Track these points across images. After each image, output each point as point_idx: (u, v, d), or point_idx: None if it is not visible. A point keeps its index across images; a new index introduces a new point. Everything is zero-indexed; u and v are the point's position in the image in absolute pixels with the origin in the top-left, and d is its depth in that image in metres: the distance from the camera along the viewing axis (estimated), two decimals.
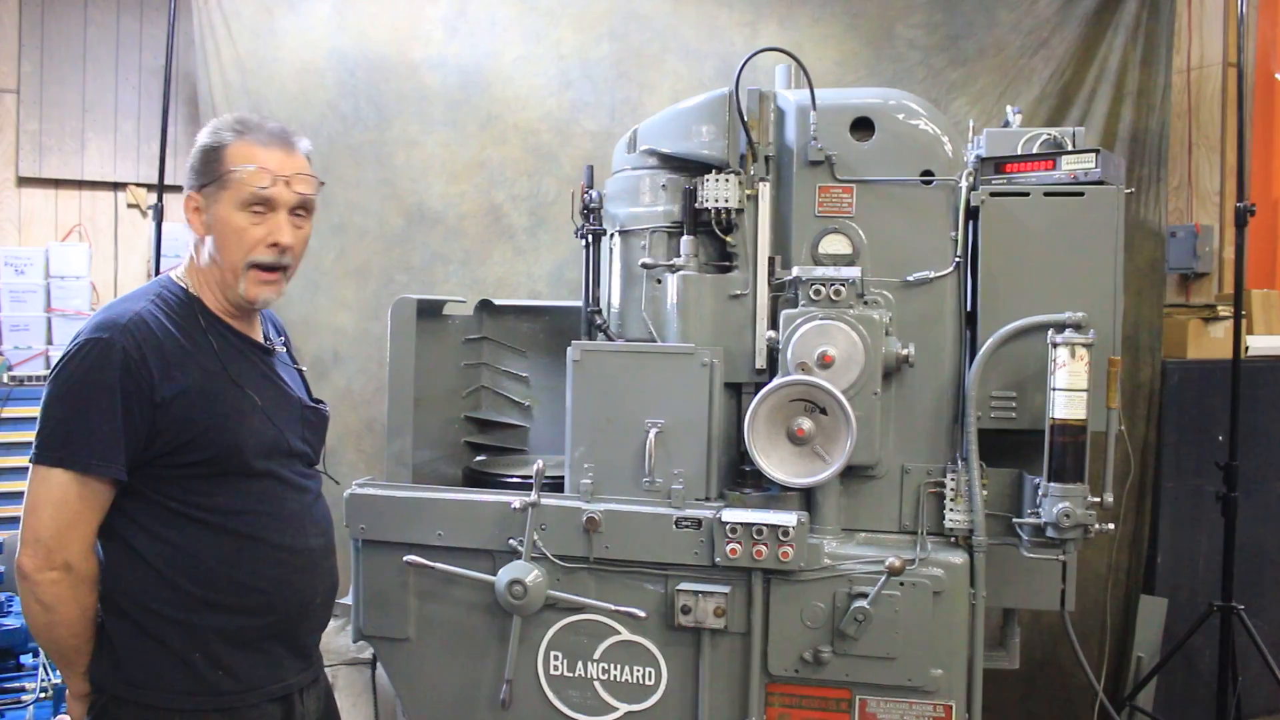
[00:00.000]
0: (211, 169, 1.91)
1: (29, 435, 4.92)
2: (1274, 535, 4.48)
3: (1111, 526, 2.79)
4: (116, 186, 5.49)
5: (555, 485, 2.95)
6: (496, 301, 3.70)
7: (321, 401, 2.18)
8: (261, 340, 2.06)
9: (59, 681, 3.00)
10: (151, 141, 5.30)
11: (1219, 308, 4.37)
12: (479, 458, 3.56)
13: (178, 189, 5.31)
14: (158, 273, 5.10)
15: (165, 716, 1.86)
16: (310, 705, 2.09)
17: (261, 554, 1.92)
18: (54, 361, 1.85)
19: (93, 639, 1.87)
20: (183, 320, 1.88)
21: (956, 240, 2.90)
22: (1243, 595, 3.91)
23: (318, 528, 2.06)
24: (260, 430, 1.92)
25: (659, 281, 3.04)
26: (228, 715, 1.89)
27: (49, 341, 5.24)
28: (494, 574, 2.89)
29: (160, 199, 5.13)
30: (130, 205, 5.48)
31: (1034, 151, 2.94)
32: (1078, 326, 2.71)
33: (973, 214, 2.90)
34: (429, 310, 3.33)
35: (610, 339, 3.14)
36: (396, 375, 3.16)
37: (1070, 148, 2.92)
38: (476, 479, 3.31)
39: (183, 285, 1.96)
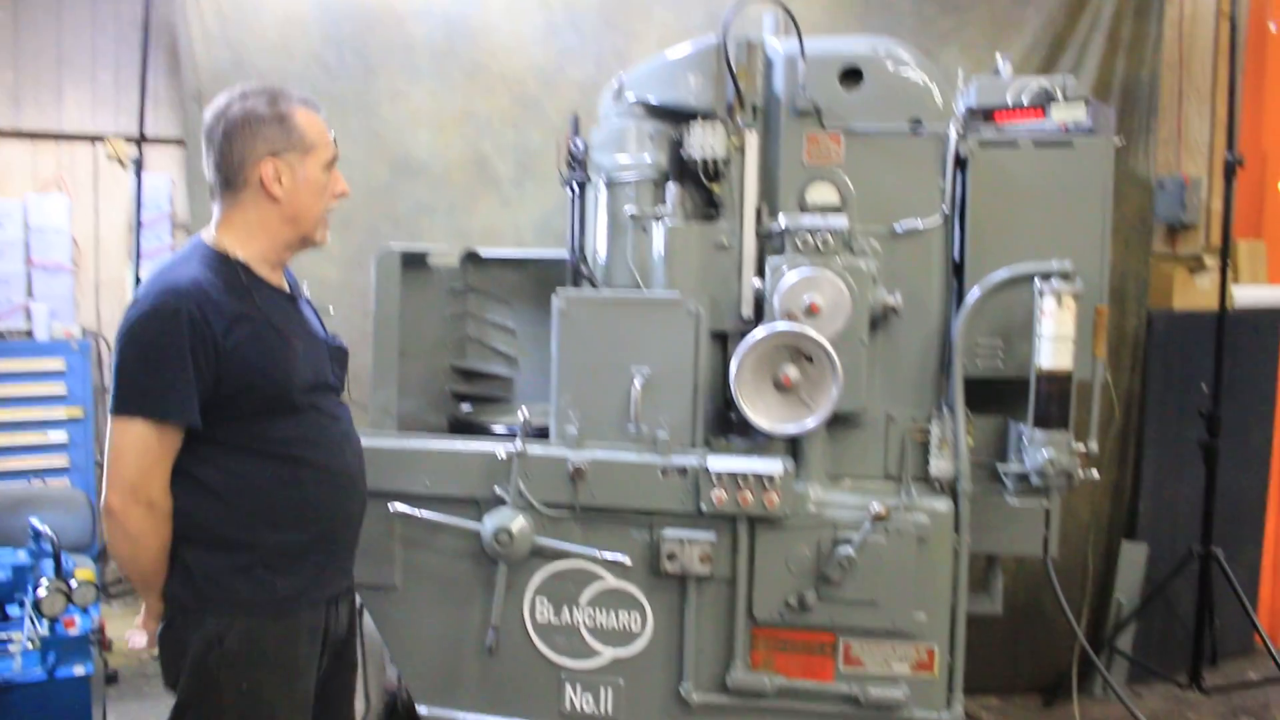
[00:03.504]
0: (293, 137, 2.11)
1: (11, 388, 4.91)
2: (1253, 482, 4.53)
3: (1095, 474, 2.81)
4: (95, 139, 5.40)
5: (541, 434, 2.96)
6: (482, 252, 3.68)
7: (339, 337, 2.40)
8: (288, 289, 2.26)
9: (46, 633, 3.00)
10: (130, 92, 5.21)
11: (1205, 259, 4.38)
12: (465, 407, 3.57)
13: (158, 141, 5.31)
14: (139, 225, 5.06)
15: (228, 621, 2.08)
16: (342, 612, 2.32)
17: (311, 475, 2.14)
18: (122, 322, 2.05)
19: (167, 562, 2.09)
20: (227, 281, 2.07)
21: (945, 190, 2.89)
22: (1221, 540, 3.96)
23: (354, 450, 2.28)
24: (302, 371, 2.14)
25: (645, 231, 3.03)
26: (279, 618, 2.12)
27: (29, 294, 5.19)
28: (480, 522, 2.91)
29: (141, 151, 5.07)
30: (110, 157, 5.40)
31: (1024, 101, 2.92)
32: (1065, 275, 2.71)
33: (961, 164, 2.89)
34: (414, 261, 3.32)
35: (596, 287, 3.12)
36: (381, 326, 3.15)
37: (1061, 98, 2.90)
38: (462, 428, 3.31)
39: (217, 249, 2.12)
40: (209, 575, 2.09)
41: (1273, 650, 3.87)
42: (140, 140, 5.08)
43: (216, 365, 2.01)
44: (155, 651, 2.21)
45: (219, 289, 2.04)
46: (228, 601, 2.08)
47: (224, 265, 2.10)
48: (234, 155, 2.09)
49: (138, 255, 5.05)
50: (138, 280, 5.06)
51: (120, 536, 2.05)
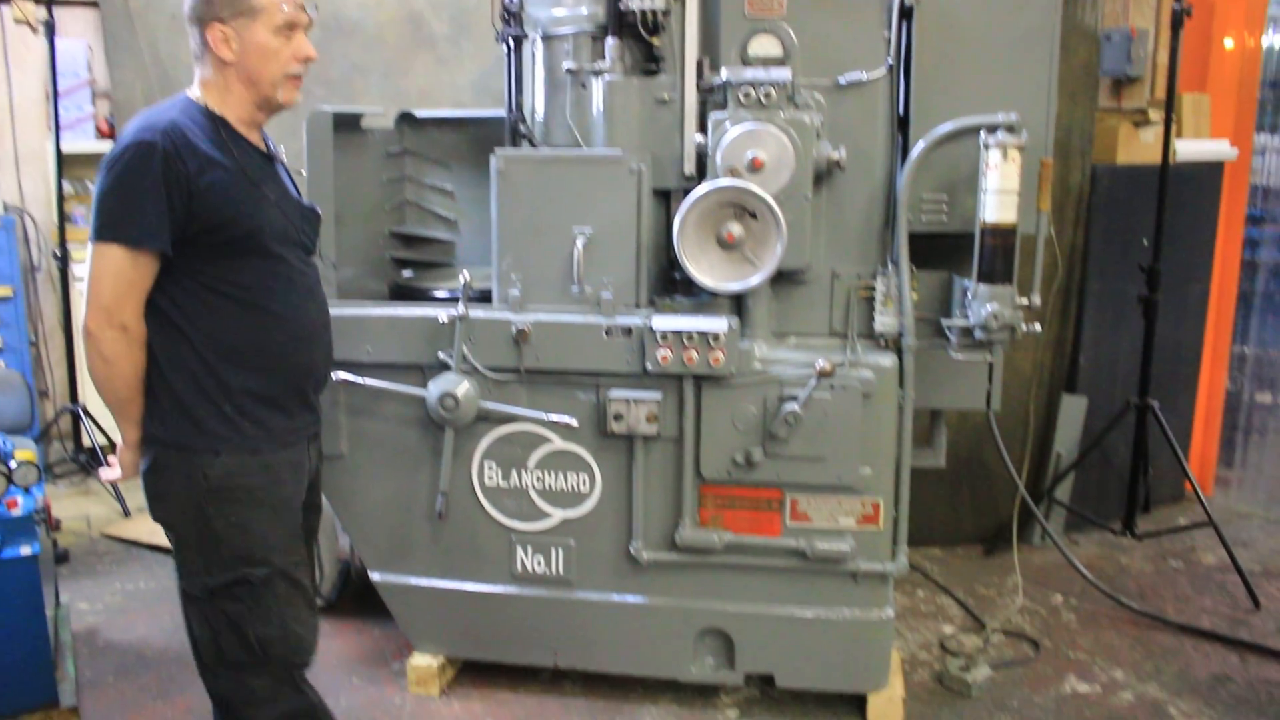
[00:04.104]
0: (239, 4, 2.19)
1: None
2: (1190, 335, 4.61)
3: (1038, 327, 2.83)
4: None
5: (484, 297, 2.92)
6: (417, 113, 3.56)
7: (315, 204, 2.48)
8: (265, 150, 2.36)
9: None
10: None
11: (1150, 112, 4.35)
12: (405, 273, 3.50)
13: (69, 3, 5.02)
14: (55, 94, 4.83)
15: (210, 458, 2.20)
16: (313, 453, 2.44)
17: (273, 323, 2.25)
18: (104, 157, 2.16)
19: (142, 393, 2.22)
20: (205, 130, 2.19)
21: (889, 41, 2.82)
22: (1157, 393, 4.04)
23: (318, 305, 2.39)
24: (274, 220, 2.25)
25: (584, 87, 2.93)
26: (254, 455, 2.24)
27: None
28: (425, 388, 2.88)
29: (51, 14, 4.80)
30: (18, 21, 5.09)
31: None
32: (1011, 128, 2.67)
33: (907, 13, 2.81)
34: (347, 123, 3.21)
35: (535, 147, 3.04)
36: (315, 192, 3.05)
37: None
38: (403, 294, 3.25)
39: (201, 103, 2.24)
40: (185, 412, 2.20)
41: (1201, 496, 4.00)
42: (49, 1, 4.80)
43: (189, 202, 2.12)
44: (119, 480, 2.36)
45: (196, 135, 2.17)
46: (207, 437, 2.20)
47: (203, 116, 2.22)
48: (194, 23, 2.23)
49: (57, 126, 4.83)
50: (59, 153, 4.86)
51: (96, 358, 2.18)
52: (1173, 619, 3.66)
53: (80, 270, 4.83)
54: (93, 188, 2.23)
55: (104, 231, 2.12)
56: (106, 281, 2.13)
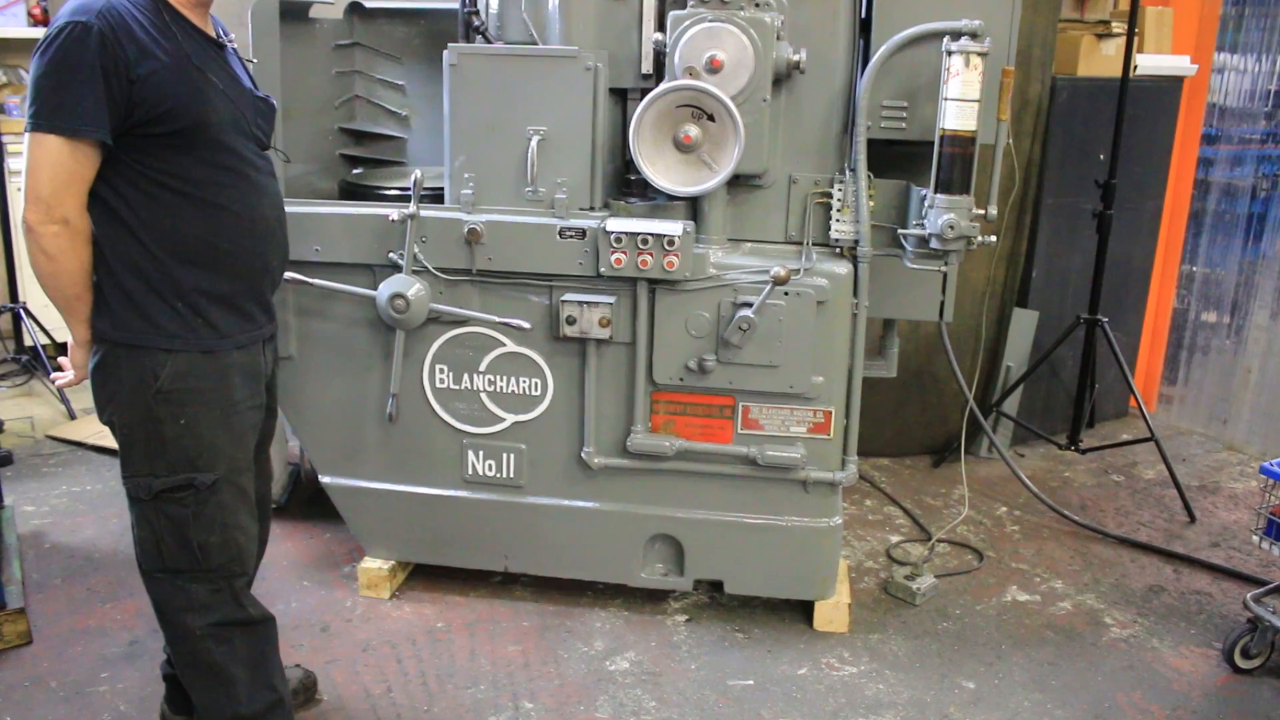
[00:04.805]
0: None
1: None
2: (1141, 252, 4.65)
3: (994, 239, 2.82)
4: None
5: (435, 197, 2.86)
6: (367, 4, 3.43)
7: (270, 96, 2.38)
8: (214, 36, 2.25)
9: None
10: None
11: (1113, 24, 4.32)
12: (355, 170, 3.42)
13: None
14: None
15: (162, 357, 2.14)
16: (269, 355, 2.38)
17: (226, 220, 2.17)
18: (39, 41, 2.05)
19: (90, 289, 2.14)
20: (148, 14, 2.08)
21: None
22: (1107, 309, 4.09)
23: (272, 202, 2.30)
24: (222, 110, 2.14)
25: None
26: (208, 356, 2.18)
27: None
28: (375, 289, 2.83)
29: None
30: None
31: None
32: (974, 34, 2.63)
33: None
34: (293, 13, 3.09)
35: (489, 42, 2.95)
36: (261, 85, 2.91)
37: None
38: (353, 192, 3.17)
39: None
40: (136, 309, 2.14)
41: (1144, 412, 4.07)
42: None
43: (129, 89, 2.03)
44: (72, 383, 2.29)
45: (137, 19, 2.06)
46: (159, 335, 2.14)
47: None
48: None
49: None
50: None
51: (38, 253, 2.09)
52: (1112, 531, 3.75)
53: (16, 163, 4.68)
54: (26, 76, 2.11)
55: (39, 120, 2.01)
56: (45, 173, 2.02)
